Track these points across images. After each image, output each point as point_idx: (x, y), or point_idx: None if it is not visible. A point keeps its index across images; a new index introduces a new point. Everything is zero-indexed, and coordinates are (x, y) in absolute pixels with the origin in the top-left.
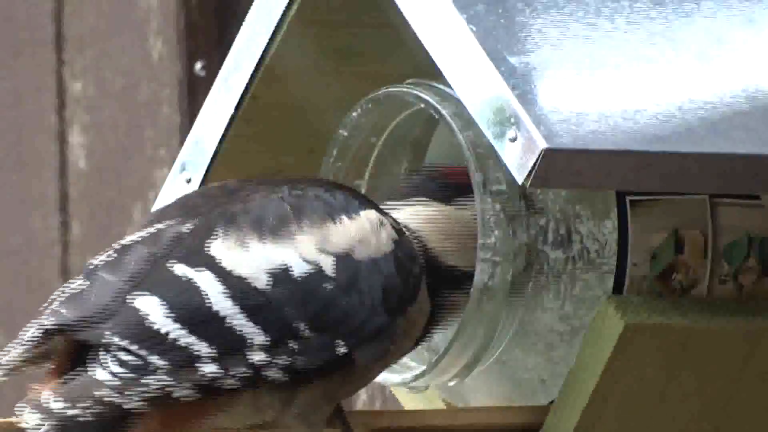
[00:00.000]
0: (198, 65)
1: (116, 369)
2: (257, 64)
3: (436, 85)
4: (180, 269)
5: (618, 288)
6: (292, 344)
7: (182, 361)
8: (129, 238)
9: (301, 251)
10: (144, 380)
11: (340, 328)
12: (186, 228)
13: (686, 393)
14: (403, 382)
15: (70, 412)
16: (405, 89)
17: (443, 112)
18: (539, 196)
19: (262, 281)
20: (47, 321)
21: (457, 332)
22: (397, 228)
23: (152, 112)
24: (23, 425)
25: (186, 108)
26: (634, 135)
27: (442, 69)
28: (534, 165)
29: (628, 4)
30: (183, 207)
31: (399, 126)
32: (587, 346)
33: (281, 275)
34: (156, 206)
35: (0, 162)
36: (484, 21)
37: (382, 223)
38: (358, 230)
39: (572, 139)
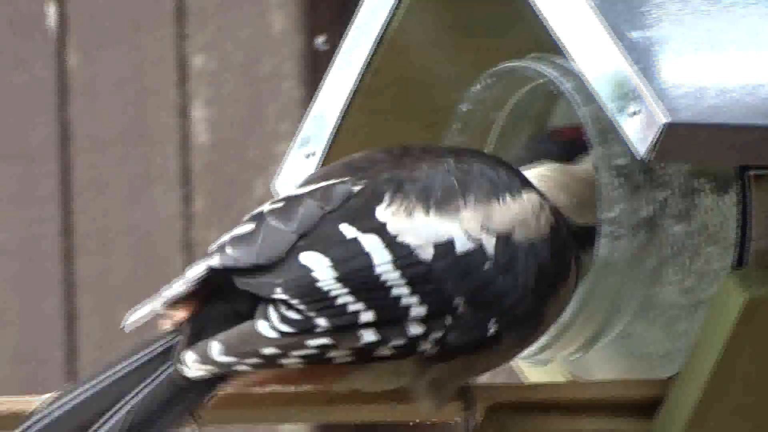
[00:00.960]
0: (319, 39)
1: (283, 327)
2: (378, 38)
3: (556, 59)
4: (348, 230)
5: (740, 262)
6: (448, 319)
7: (345, 325)
8: (296, 191)
9: (466, 227)
10: (307, 341)
11: (493, 307)
12: (355, 188)
13: None
14: (527, 355)
15: (237, 367)
16: (526, 64)
17: (564, 86)
18: (660, 171)
19: (427, 252)
20: (214, 261)
21: (580, 306)
22: (555, 210)
23: (273, 86)
24: (185, 371)
25: (307, 82)
26: (755, 109)
27: (562, 43)
28: (655, 139)
29: None
30: (350, 167)
31: (520, 100)
32: (709, 321)
33: (445, 249)
34: (279, 181)
35: (122, 137)
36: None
37: (542, 206)
38: (520, 211)
39: (693, 114)
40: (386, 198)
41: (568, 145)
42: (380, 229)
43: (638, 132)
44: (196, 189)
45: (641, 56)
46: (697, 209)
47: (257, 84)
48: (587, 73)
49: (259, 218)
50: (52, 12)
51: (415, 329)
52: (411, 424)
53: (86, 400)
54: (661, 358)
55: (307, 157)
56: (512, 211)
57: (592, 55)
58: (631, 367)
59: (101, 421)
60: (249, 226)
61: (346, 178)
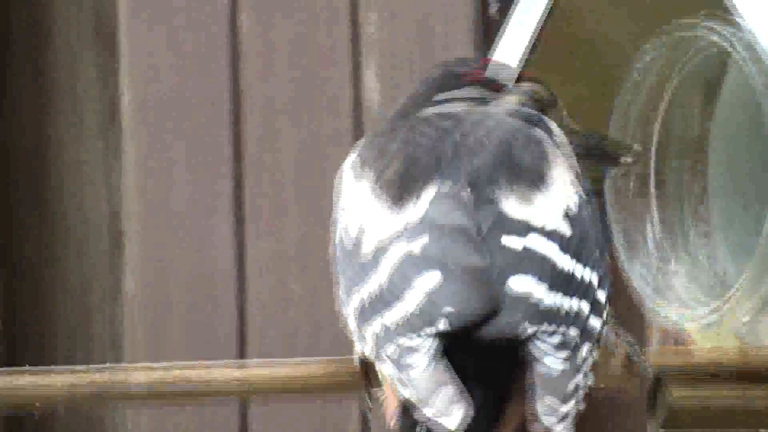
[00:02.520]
0: (493, 8)
1: (557, 354)
2: (550, 3)
3: (728, 17)
4: (510, 240)
5: None
6: (600, 268)
7: (581, 323)
8: (405, 213)
9: (567, 189)
10: (580, 355)
11: (605, 247)
12: (464, 194)
13: None
14: (698, 318)
15: (568, 409)
16: (697, 33)
17: (735, 45)
18: None
19: (565, 227)
20: (438, 325)
21: (750, 268)
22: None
23: (446, 53)
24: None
25: (480, 48)
26: None
27: (739, 3)
28: None
29: None
30: (419, 159)
31: (693, 65)
32: None
33: (572, 216)
34: None
35: (294, 99)
36: None
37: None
38: (571, 165)
39: None
40: (498, 194)
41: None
42: (527, 226)
43: None
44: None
45: None
46: None
47: (430, 50)
48: (759, 32)
49: (441, 265)
50: None
51: (595, 288)
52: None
53: None
54: None
55: None
56: (566, 157)
57: (765, 11)
58: None
59: None
60: (437, 276)
61: (439, 182)
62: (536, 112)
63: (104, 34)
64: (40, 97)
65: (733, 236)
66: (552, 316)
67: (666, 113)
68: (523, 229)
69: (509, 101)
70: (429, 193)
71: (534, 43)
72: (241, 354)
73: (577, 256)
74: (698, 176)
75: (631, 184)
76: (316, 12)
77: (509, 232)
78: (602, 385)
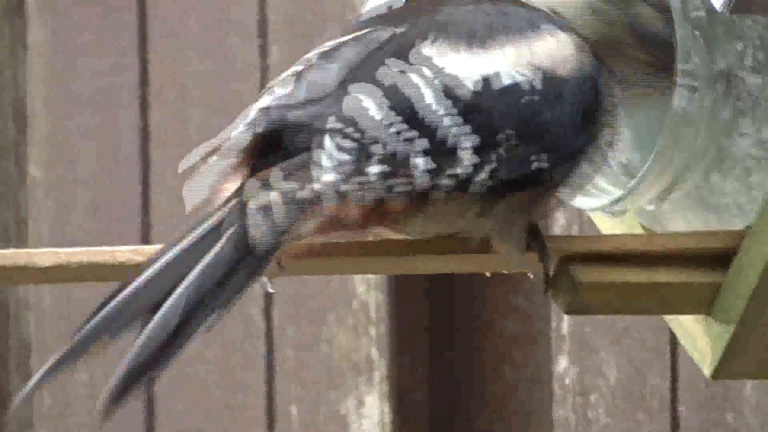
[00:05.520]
0: None
1: (341, 155)
2: None
3: None
4: (395, 63)
5: None
6: (500, 151)
7: (401, 153)
8: (331, 42)
9: (512, 61)
10: (367, 169)
11: (542, 142)
12: (398, 30)
13: None
14: (602, 206)
15: (299, 194)
16: None
17: None
18: (737, 23)
19: (476, 83)
20: (263, 102)
21: (655, 156)
22: (593, 50)
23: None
24: (249, 202)
25: None
26: None
27: None
28: None
29: None
30: (388, 17)
31: None
32: None
33: (492, 80)
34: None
35: None
36: None
37: (581, 45)
38: (562, 48)
39: None
40: (430, 36)
41: None
42: (427, 61)
43: None
44: (273, 40)
45: None
46: None
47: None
48: None
49: (305, 62)
50: None
51: (468, 159)
52: (488, 275)
53: (151, 281)
54: (735, 210)
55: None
56: (555, 48)
57: None
58: (705, 219)
59: (168, 298)
60: (295, 69)
61: (377, 29)
62: (545, 13)
63: None
64: None
65: (638, 125)
66: (368, 125)
67: None
68: (420, 60)
69: None
70: (360, 33)
71: None
72: (145, 238)
73: (464, 111)
74: None
75: None
76: None
77: (401, 57)
78: (511, 270)
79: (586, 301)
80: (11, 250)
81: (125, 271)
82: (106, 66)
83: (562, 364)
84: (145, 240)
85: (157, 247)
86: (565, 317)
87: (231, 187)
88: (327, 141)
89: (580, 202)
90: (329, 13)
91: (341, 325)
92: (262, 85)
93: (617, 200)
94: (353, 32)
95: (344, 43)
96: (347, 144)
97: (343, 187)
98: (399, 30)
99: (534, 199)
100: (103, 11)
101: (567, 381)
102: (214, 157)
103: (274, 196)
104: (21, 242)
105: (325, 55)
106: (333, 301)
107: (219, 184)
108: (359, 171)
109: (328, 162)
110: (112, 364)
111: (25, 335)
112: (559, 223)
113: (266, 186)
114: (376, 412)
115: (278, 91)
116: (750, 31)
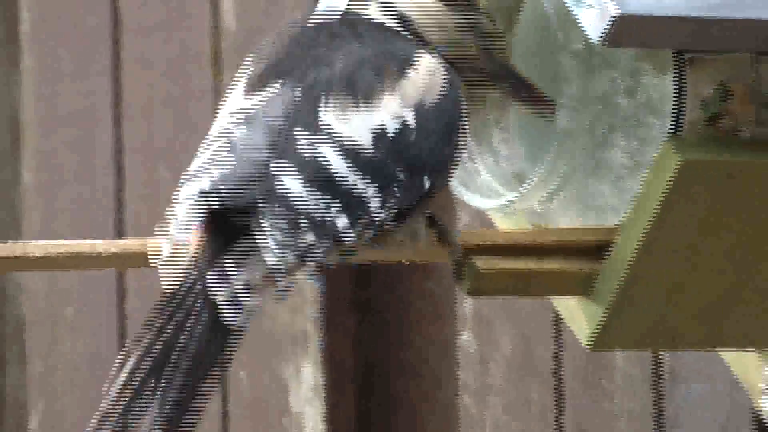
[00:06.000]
0: None
1: (278, 236)
2: None
3: None
4: (303, 134)
5: (676, 131)
6: (396, 188)
7: (324, 218)
8: (248, 98)
9: (390, 110)
10: (301, 240)
11: (424, 167)
12: (297, 94)
13: (731, 226)
14: (499, 206)
15: (245, 279)
16: None
17: None
18: (611, 54)
19: (368, 141)
20: (206, 184)
21: (543, 166)
22: (442, 61)
23: None
24: (210, 289)
25: None
26: (692, 3)
27: None
28: (606, 28)
29: None
30: (286, 61)
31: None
32: (649, 179)
33: (380, 134)
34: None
35: (163, 23)
36: None
37: (436, 66)
38: (423, 80)
39: (639, 7)
40: (323, 98)
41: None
42: (329, 128)
43: (593, 22)
44: (224, 67)
45: None
46: (642, 86)
47: None
48: None
49: (227, 140)
50: None
51: (375, 203)
52: (406, 263)
53: (140, 370)
54: (610, 209)
55: None
56: (419, 82)
57: None
58: (585, 217)
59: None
60: (222, 145)
61: (284, 83)
62: (402, 36)
63: None
64: None
65: (529, 140)
66: (291, 205)
67: None
68: (321, 133)
69: (373, 13)
70: (271, 90)
71: None
72: (120, 232)
73: (365, 172)
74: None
75: None
76: None
77: (307, 128)
78: (417, 260)
79: (484, 286)
80: (9, 243)
81: (103, 260)
82: (85, 89)
83: (465, 337)
84: (120, 234)
85: (134, 240)
86: (468, 299)
87: (192, 244)
88: (264, 223)
89: (480, 203)
90: None
91: (282, 304)
92: (215, 105)
93: (511, 202)
94: (257, 87)
95: (262, 104)
96: (281, 223)
97: (290, 260)
98: (298, 87)
99: (425, 207)
100: (82, 44)
101: (470, 351)
102: (172, 231)
103: (236, 287)
104: (16, 236)
105: (248, 130)
106: None
107: (179, 245)
108: (296, 244)
109: (271, 243)
110: None
111: (18, 313)
112: (463, 221)
113: (224, 276)
114: (311, 377)
115: (214, 171)
116: (622, 62)
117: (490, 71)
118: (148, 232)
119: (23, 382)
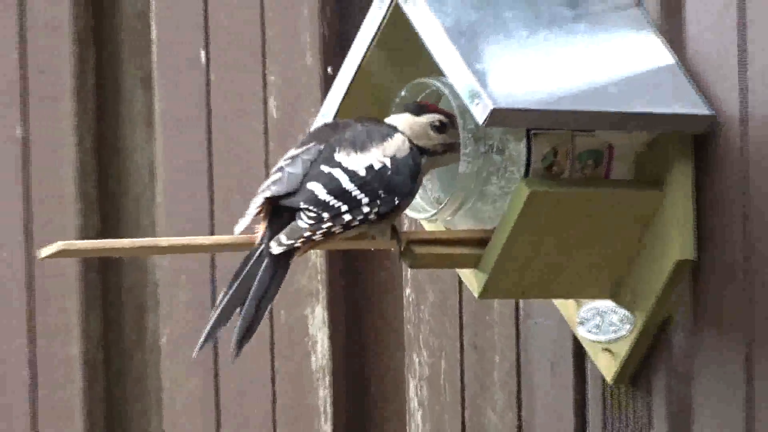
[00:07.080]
0: (329, 69)
1: (308, 221)
2: (357, 67)
3: (444, 78)
4: (326, 168)
5: (527, 174)
6: (378, 201)
7: (335, 215)
8: (294, 152)
9: (376, 157)
10: (322, 225)
11: (395, 191)
12: (322, 147)
13: (559, 230)
14: (425, 217)
15: (296, 243)
16: (428, 80)
17: (445, 91)
18: (491, 131)
19: (363, 171)
20: (267, 193)
21: (452, 194)
22: (409, 140)
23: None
24: (272, 249)
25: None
26: (536, 99)
27: (445, 71)
28: (487, 116)
29: (546, 26)
30: (316, 137)
31: (423, 96)
32: (512, 202)
33: (370, 168)
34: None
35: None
36: (465, 46)
37: (404, 141)
38: (397, 144)
39: (506, 103)
40: (337, 149)
41: (421, 107)
42: (340, 165)
43: (479, 112)
44: (270, 140)
45: (482, 77)
46: (508, 148)
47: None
48: (456, 85)
49: (281, 169)
50: None
51: (365, 208)
52: (372, 250)
53: (226, 304)
54: (489, 220)
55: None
56: (393, 146)
57: (458, 76)
58: (477, 224)
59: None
60: (279, 174)
61: (315, 144)
62: (389, 126)
63: (144, 73)
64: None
65: (443, 179)
66: (318, 203)
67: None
68: (336, 165)
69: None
70: (307, 147)
71: (347, 91)
72: (211, 230)
73: (360, 187)
74: None
75: None
76: None
77: (328, 163)
78: (384, 247)
79: (419, 262)
80: (147, 238)
81: (205, 248)
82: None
83: (407, 291)
84: (212, 232)
85: (223, 237)
86: (409, 270)
87: (259, 225)
88: (302, 214)
89: (415, 215)
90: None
91: (302, 273)
92: (267, 163)
93: (433, 215)
94: (302, 146)
95: (299, 156)
96: (311, 214)
97: (314, 232)
98: (323, 145)
99: (392, 216)
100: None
101: (411, 299)
102: (250, 209)
103: (285, 245)
104: (153, 233)
105: (291, 164)
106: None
107: (253, 222)
108: (318, 225)
109: (304, 224)
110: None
111: (153, 279)
112: (405, 225)
113: (279, 242)
114: (321, 315)
115: (272, 187)
116: (496, 134)
117: (442, 153)
118: (229, 231)
119: (156, 321)
